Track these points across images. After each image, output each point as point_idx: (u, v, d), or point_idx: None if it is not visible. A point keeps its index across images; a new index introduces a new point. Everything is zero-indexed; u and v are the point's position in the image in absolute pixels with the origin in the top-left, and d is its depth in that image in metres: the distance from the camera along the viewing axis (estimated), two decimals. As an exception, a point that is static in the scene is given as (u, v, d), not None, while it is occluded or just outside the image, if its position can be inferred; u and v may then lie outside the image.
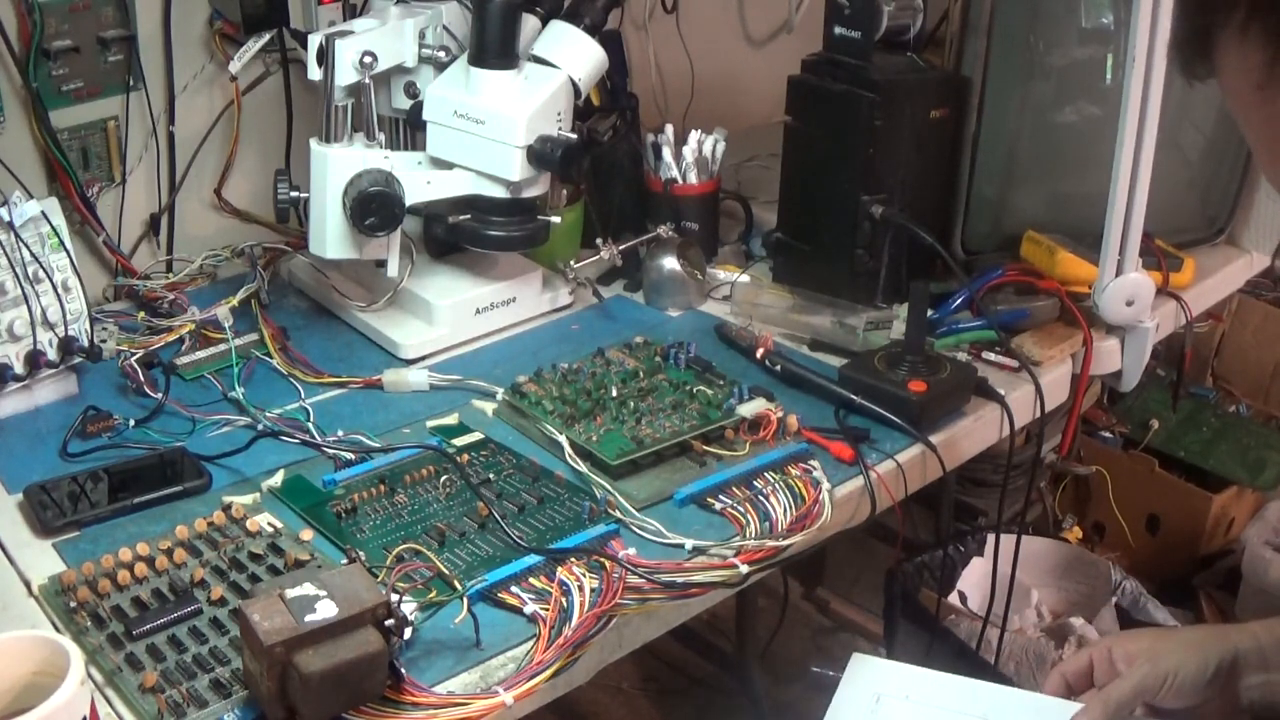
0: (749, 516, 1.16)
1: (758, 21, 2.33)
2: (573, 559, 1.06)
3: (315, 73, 1.40)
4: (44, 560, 1.09)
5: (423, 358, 1.45)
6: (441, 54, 1.45)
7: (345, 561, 1.06)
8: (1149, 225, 1.42)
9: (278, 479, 1.20)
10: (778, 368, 1.40)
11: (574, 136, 1.42)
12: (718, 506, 1.18)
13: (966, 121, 1.50)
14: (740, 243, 1.76)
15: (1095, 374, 1.51)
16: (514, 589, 1.04)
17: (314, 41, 1.39)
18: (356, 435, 1.26)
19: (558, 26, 1.43)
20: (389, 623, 0.92)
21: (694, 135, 1.69)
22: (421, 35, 1.45)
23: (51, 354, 1.30)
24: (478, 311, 1.50)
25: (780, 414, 1.28)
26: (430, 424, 1.31)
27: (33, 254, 1.28)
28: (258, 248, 1.62)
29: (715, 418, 1.28)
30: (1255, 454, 2.40)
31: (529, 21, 1.44)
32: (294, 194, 1.42)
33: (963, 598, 2.07)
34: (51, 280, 1.30)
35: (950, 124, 1.50)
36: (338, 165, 1.39)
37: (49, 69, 1.47)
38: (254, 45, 1.61)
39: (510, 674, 0.96)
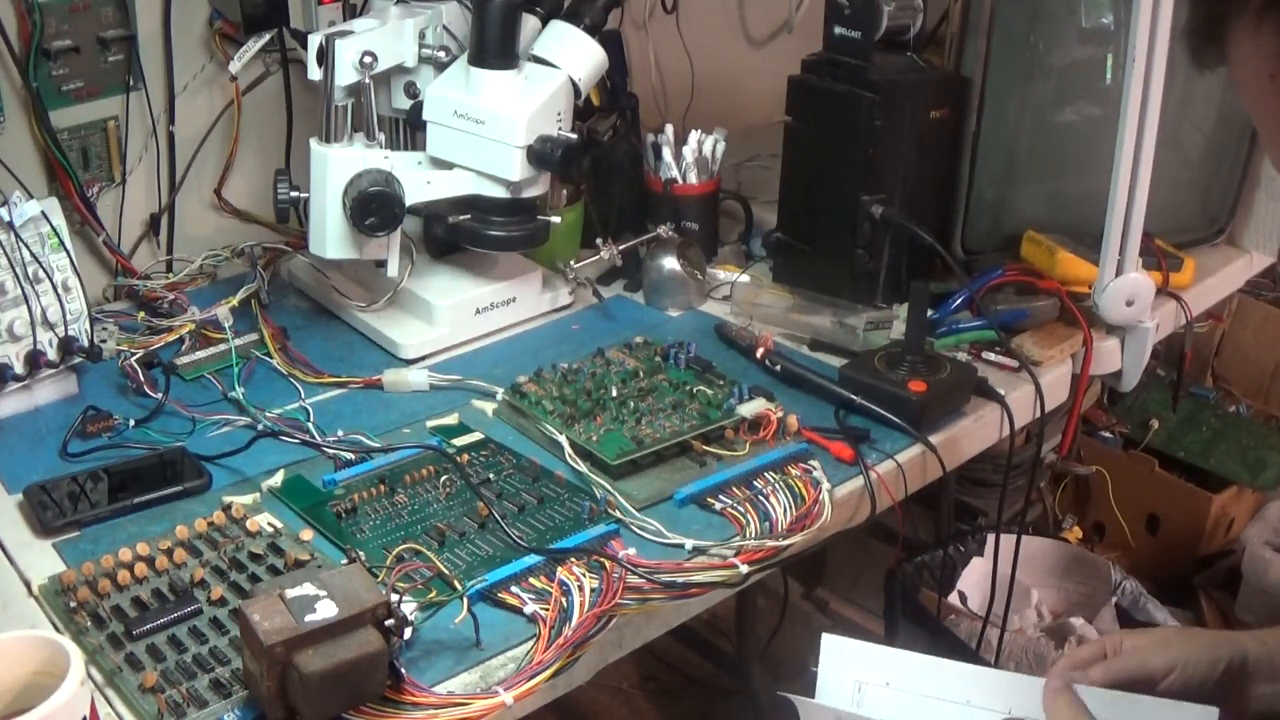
0: (749, 516, 1.16)
1: (758, 21, 2.33)
2: (573, 559, 1.06)
3: (315, 73, 1.40)
4: (44, 560, 1.09)
5: (423, 358, 1.45)
6: (441, 54, 1.45)
7: (345, 561, 1.06)
8: (1149, 225, 1.42)
9: (278, 479, 1.20)
10: (778, 368, 1.40)
11: (574, 136, 1.42)
12: (718, 506, 1.18)
13: (966, 121, 1.50)
14: (740, 243, 1.76)
15: (1095, 374, 1.51)
16: (514, 589, 1.04)
17: (314, 41, 1.39)
18: (356, 435, 1.26)
19: (558, 26, 1.43)
20: (389, 623, 0.92)
21: (694, 135, 1.69)
22: (421, 35, 1.45)
23: (51, 354, 1.30)
24: (478, 311, 1.50)
25: (780, 414, 1.28)
26: (430, 424, 1.31)
27: (33, 254, 1.28)
28: (258, 248, 1.62)
29: (715, 418, 1.28)
30: (1255, 454, 2.40)
31: (529, 21, 1.44)
32: (294, 194, 1.42)
33: (963, 598, 2.07)
34: (51, 280, 1.30)
35: (950, 124, 1.50)
36: (338, 165, 1.39)
37: (49, 69, 1.47)
38: (254, 45, 1.61)
39: (510, 674, 0.96)
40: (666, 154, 1.68)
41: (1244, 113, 0.81)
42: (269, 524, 1.12)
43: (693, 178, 1.68)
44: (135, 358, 1.36)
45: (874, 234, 1.50)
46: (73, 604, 1.01)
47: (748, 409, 1.28)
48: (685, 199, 1.68)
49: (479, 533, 1.12)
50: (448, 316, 1.48)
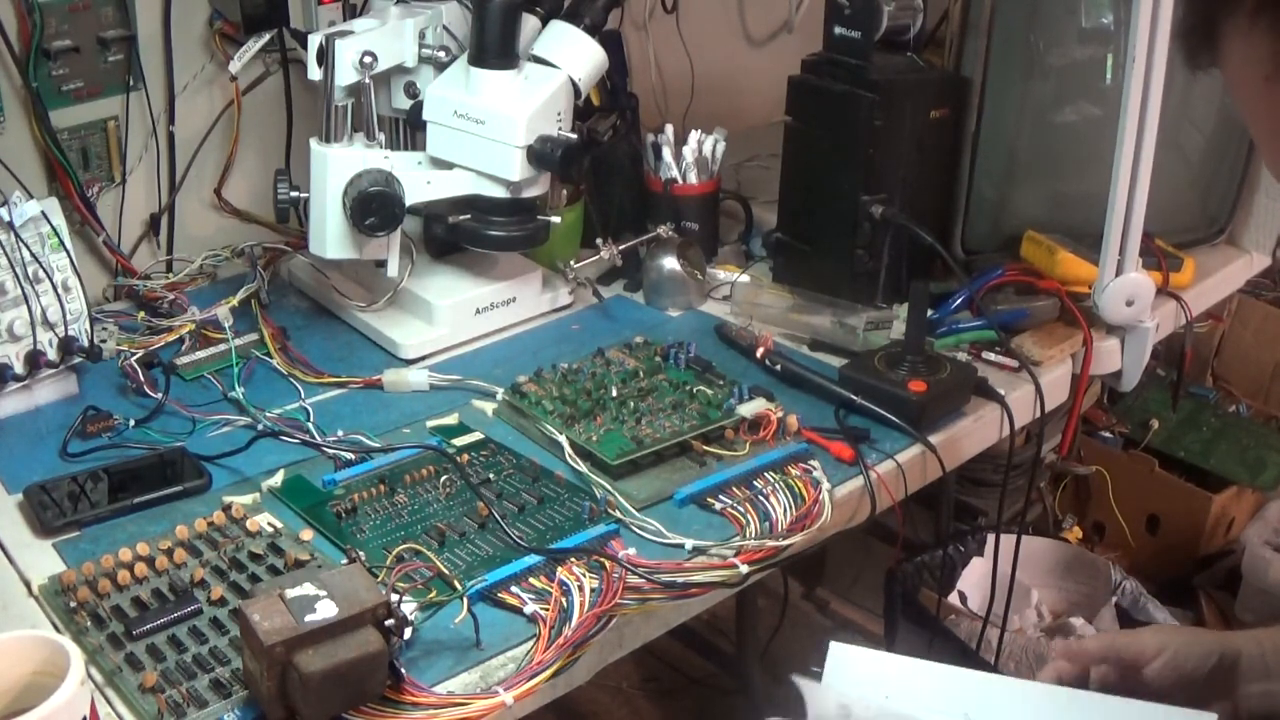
0: (749, 516, 1.15)
1: (758, 21, 2.33)
2: (573, 559, 1.06)
3: (315, 73, 1.40)
4: (44, 560, 1.09)
5: (423, 358, 1.45)
6: (441, 54, 1.45)
7: (345, 561, 1.06)
8: (1149, 225, 1.42)
9: (278, 479, 1.20)
10: (778, 368, 1.40)
11: (574, 136, 1.42)
12: (718, 506, 1.17)
13: (966, 121, 1.50)
14: (740, 243, 1.76)
15: (1095, 374, 1.51)
16: (514, 589, 1.04)
17: (314, 41, 1.39)
18: (356, 435, 1.26)
19: (558, 26, 1.43)
20: (389, 623, 0.92)
21: (694, 135, 1.69)
22: (421, 35, 1.45)
23: (51, 354, 1.30)
24: (478, 311, 1.50)
25: (780, 414, 1.28)
26: (430, 424, 1.31)
27: (33, 254, 1.28)
28: (258, 248, 1.62)
29: (715, 418, 1.28)
30: (1255, 454, 2.40)
31: (529, 21, 1.44)
32: (294, 194, 1.42)
33: (963, 598, 2.07)
34: (51, 280, 1.30)
35: (950, 124, 1.50)
36: (338, 165, 1.39)
37: (49, 69, 1.47)
38: (254, 45, 1.61)
39: (510, 674, 0.96)
40: (666, 154, 1.68)
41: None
42: (269, 524, 1.12)
43: (693, 178, 1.68)
44: (135, 358, 1.36)
45: (874, 234, 1.50)
46: (73, 604, 1.01)
47: (748, 409, 1.28)
48: (685, 199, 1.68)
49: (479, 533, 1.12)
50: (448, 316, 1.48)
